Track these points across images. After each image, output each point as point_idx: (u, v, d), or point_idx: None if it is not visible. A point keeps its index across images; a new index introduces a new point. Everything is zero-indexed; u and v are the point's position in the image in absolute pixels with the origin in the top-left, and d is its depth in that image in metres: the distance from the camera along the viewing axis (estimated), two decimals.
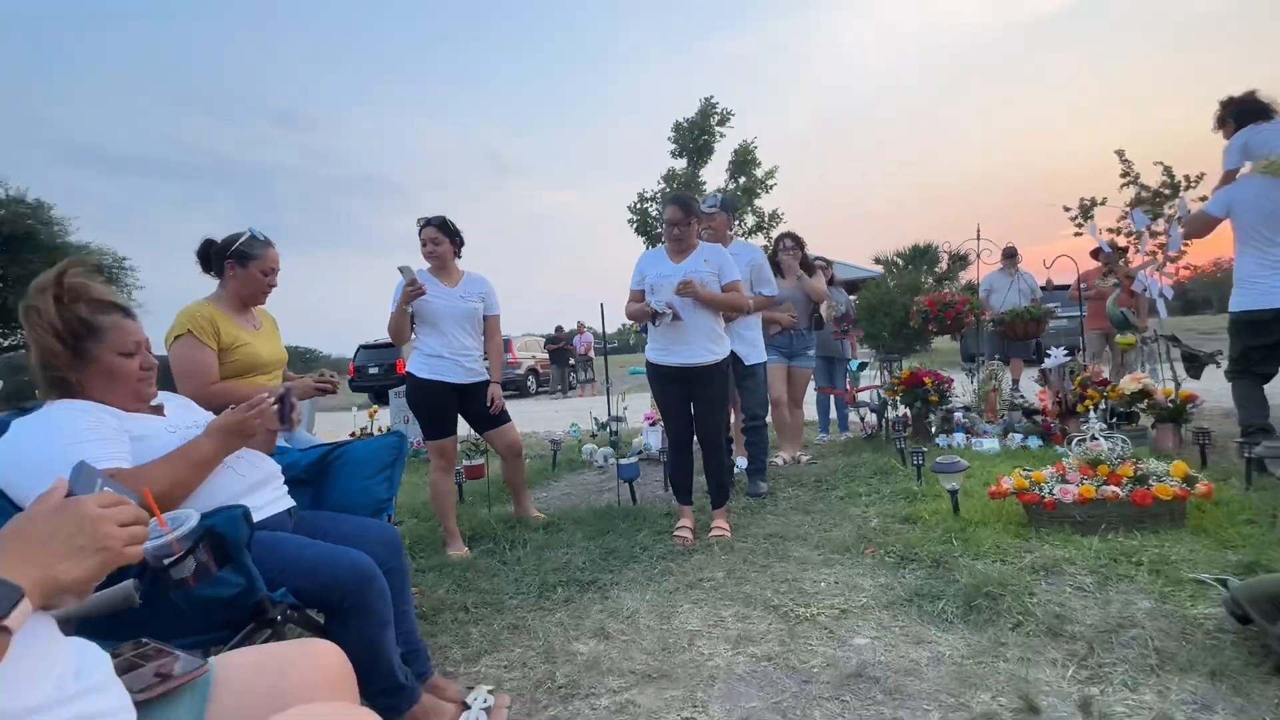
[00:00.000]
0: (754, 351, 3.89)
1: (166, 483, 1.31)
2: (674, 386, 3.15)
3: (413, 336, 3.18)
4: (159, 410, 1.53)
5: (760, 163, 16.13)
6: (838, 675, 1.80)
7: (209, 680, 0.94)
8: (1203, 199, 3.81)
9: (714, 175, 16.55)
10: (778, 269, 4.69)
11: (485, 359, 3.26)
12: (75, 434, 1.29)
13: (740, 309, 3.33)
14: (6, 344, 11.98)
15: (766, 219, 16.33)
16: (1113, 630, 1.88)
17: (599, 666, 1.94)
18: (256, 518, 1.45)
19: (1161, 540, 2.47)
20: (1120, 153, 8.88)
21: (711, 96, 15.95)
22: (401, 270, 3.01)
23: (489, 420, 3.24)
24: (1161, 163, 8.58)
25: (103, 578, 0.74)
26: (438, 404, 3.14)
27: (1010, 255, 6.84)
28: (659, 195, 16.08)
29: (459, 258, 3.25)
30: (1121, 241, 8.18)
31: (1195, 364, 4.94)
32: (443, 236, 3.12)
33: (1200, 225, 3.72)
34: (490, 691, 1.79)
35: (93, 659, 0.82)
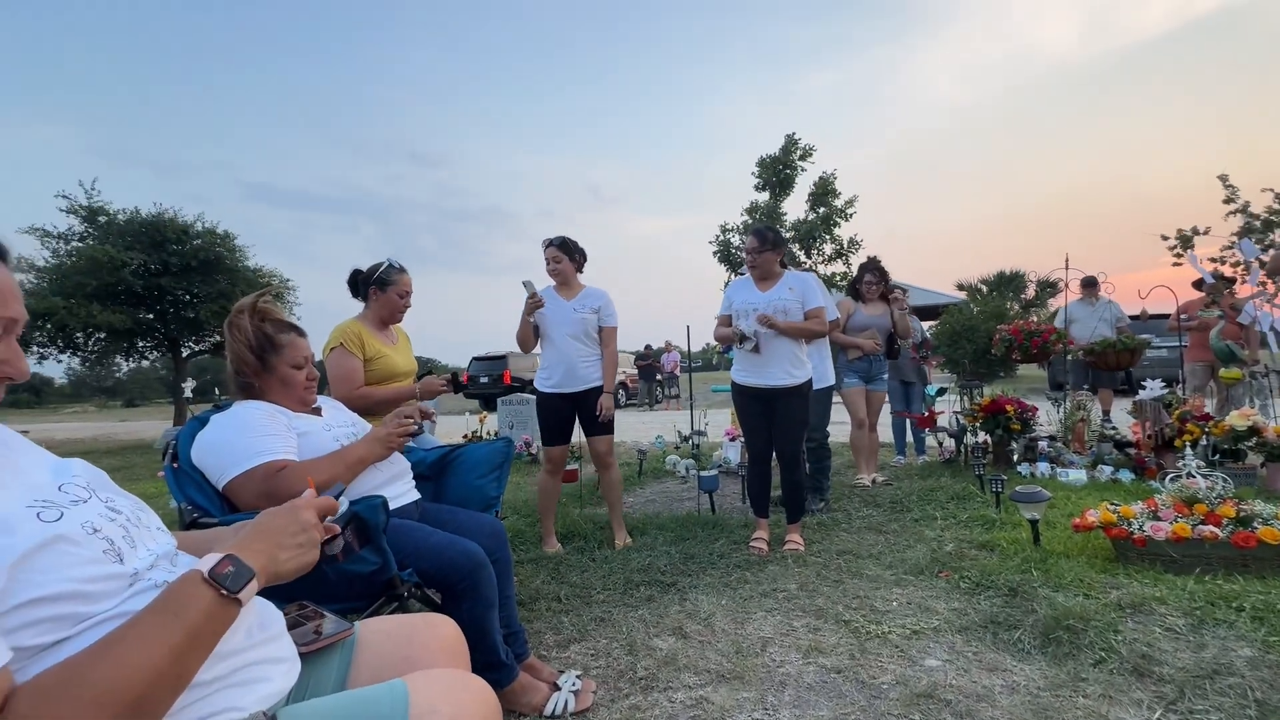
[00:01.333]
0: (819, 376, 3.79)
1: (326, 476, 1.47)
2: (756, 405, 3.14)
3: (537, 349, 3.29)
4: (318, 411, 1.71)
5: (840, 193, 15.72)
6: (907, 694, 1.72)
7: (354, 641, 1.05)
8: None
9: (795, 207, 16.27)
10: (859, 296, 4.61)
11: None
12: (258, 428, 1.48)
13: (819, 335, 3.27)
14: (198, 349, 13.51)
15: (845, 246, 15.82)
16: (1207, 676, 1.69)
17: (676, 662, 1.96)
18: (391, 507, 1.59)
19: (1268, 586, 2.19)
20: (1224, 178, 7.94)
21: (794, 133, 15.79)
22: (525, 285, 3.13)
23: (593, 426, 3.24)
24: (1271, 189, 7.57)
25: (311, 568, 0.86)
26: (552, 413, 3.23)
27: (1090, 284, 6.31)
28: (740, 226, 15.97)
29: (580, 273, 3.32)
30: (1227, 271, 7.30)
31: None
32: (563, 255, 3.20)
33: None
34: (579, 676, 1.84)
35: (270, 614, 0.94)
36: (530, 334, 3.22)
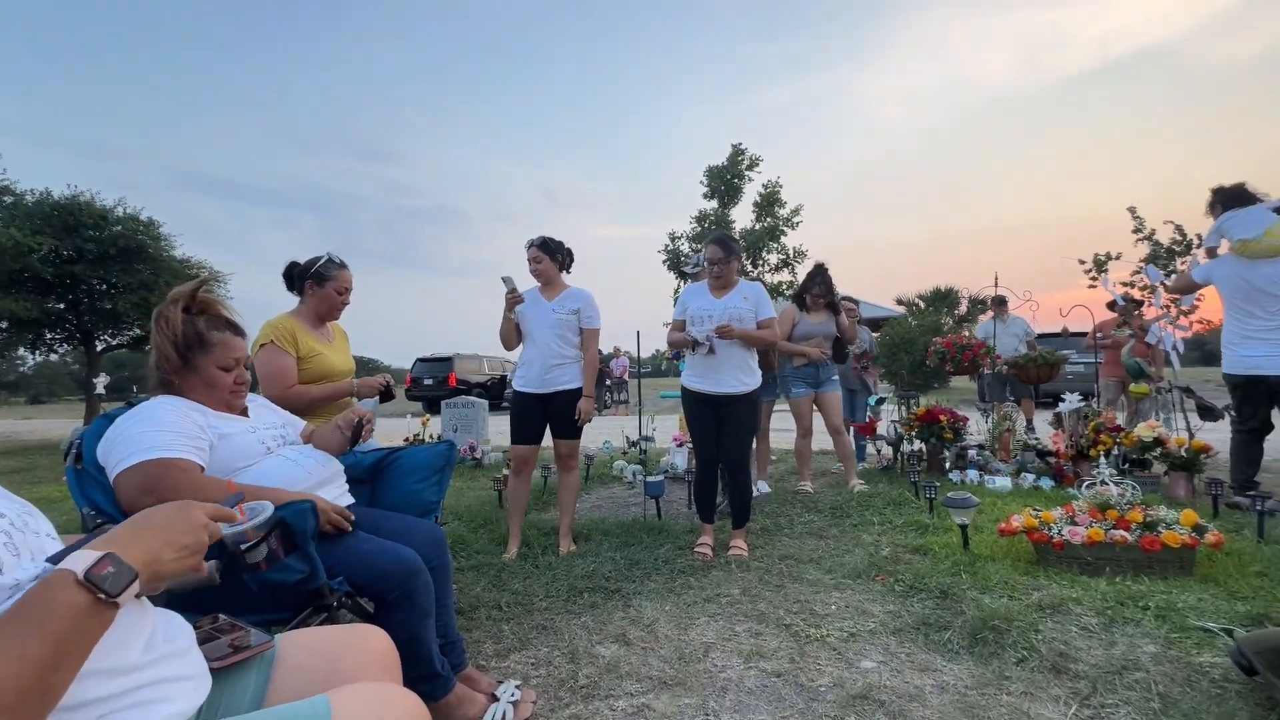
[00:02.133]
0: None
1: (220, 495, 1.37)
2: (705, 411, 3.16)
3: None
4: (245, 412, 1.61)
5: (785, 202, 16.14)
6: (844, 695, 1.75)
7: (274, 655, 0.99)
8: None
9: (742, 215, 16.61)
10: (804, 305, 4.63)
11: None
12: (163, 423, 1.37)
13: (773, 344, 3.37)
14: (115, 343, 12.59)
15: (791, 255, 16.25)
16: (1117, 672, 1.80)
17: (619, 670, 1.94)
18: None
19: (1169, 587, 2.36)
20: (1132, 209, 8.65)
21: (741, 143, 16.15)
22: (504, 280, 3.08)
23: (561, 428, 3.16)
24: (1173, 221, 8.31)
25: (192, 574, 0.79)
26: (522, 412, 3.18)
27: (1000, 304, 6.74)
28: (689, 235, 16.18)
29: (566, 272, 3.26)
30: (1136, 295, 7.90)
31: (1210, 414, 4.73)
32: (544, 255, 3.14)
33: (1184, 284, 3.87)
34: (518, 686, 1.80)
35: (176, 628, 0.87)
36: (512, 332, 3.17)
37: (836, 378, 4.63)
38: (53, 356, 13.64)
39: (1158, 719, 1.59)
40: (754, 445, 4.30)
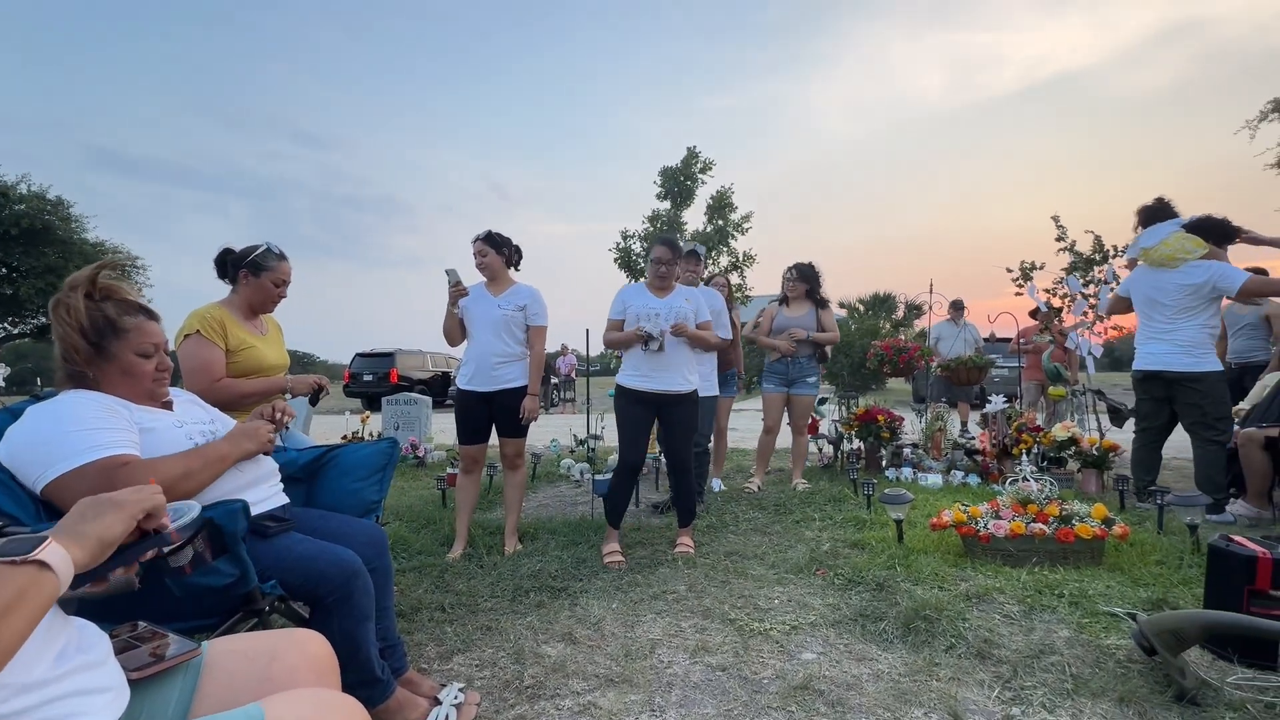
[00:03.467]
0: (706, 385, 3.82)
1: (179, 470, 1.29)
2: (642, 411, 3.12)
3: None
4: (168, 405, 1.51)
5: (737, 207, 16.44)
6: (785, 686, 1.81)
7: (200, 663, 0.93)
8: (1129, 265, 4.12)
9: (694, 217, 16.80)
10: (785, 299, 4.59)
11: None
12: (90, 420, 1.27)
13: (717, 347, 3.46)
14: (15, 331, 11.58)
15: (741, 259, 16.55)
16: (1035, 656, 1.93)
17: (565, 669, 1.93)
18: (253, 512, 1.44)
19: (1082, 575, 2.54)
20: (1055, 218, 9.14)
21: (695, 146, 16.35)
22: (448, 273, 3.00)
23: (506, 426, 3.10)
24: (1092, 231, 8.85)
25: (128, 531, 0.78)
26: (467, 411, 3.10)
27: (958, 307, 7.05)
28: (641, 234, 16.25)
29: (514, 269, 3.19)
30: (1056, 302, 8.43)
31: (1119, 416, 5.12)
32: (488, 248, 3.08)
33: (1116, 305, 4.09)
34: (461, 689, 1.76)
35: (91, 637, 0.82)
36: (455, 327, 3.10)
37: (814, 379, 4.51)
38: None
39: (1071, 698, 1.71)
40: (710, 442, 4.35)
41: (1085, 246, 8.88)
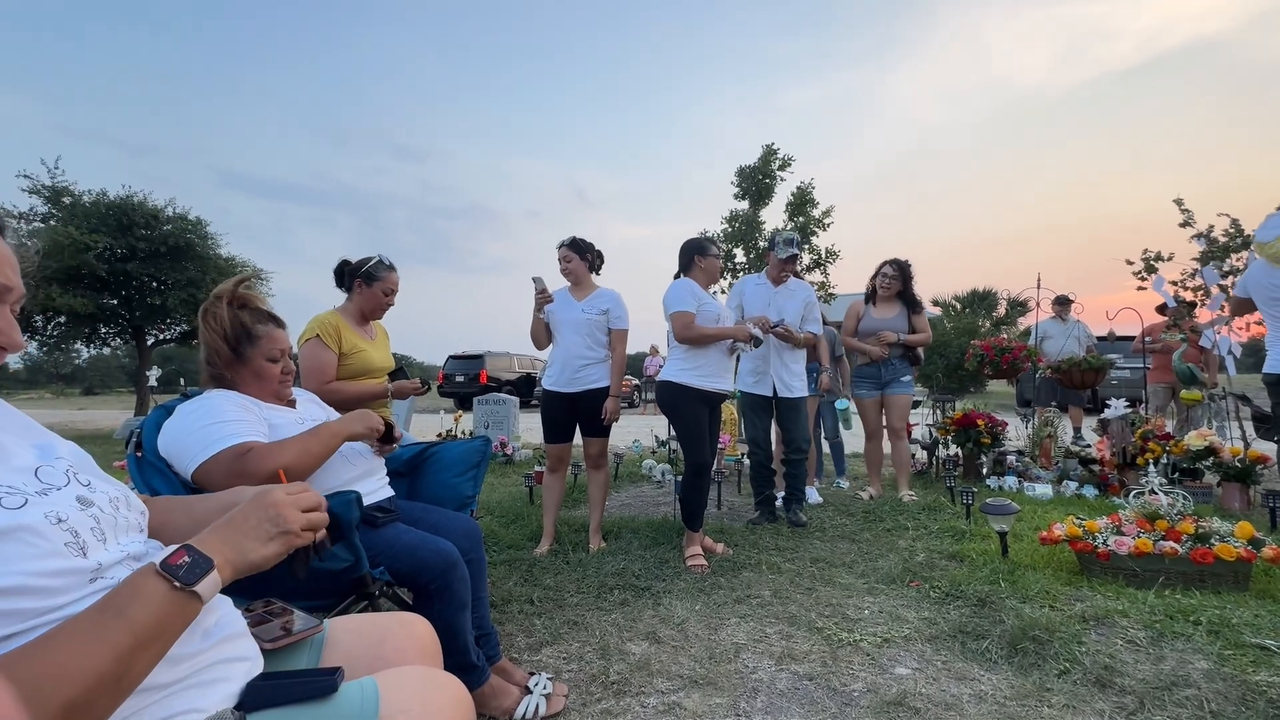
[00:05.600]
0: (798, 384, 3.67)
1: (296, 451, 1.42)
2: (706, 410, 3.09)
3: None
4: (292, 404, 1.66)
5: (818, 203, 15.93)
6: (878, 701, 1.73)
7: (323, 639, 1.02)
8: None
9: (773, 216, 16.44)
10: (872, 296, 4.40)
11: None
12: (226, 414, 1.42)
13: (807, 344, 3.60)
14: (163, 338, 13.12)
15: (823, 256, 16.03)
16: (1166, 688, 1.74)
17: (649, 667, 1.95)
18: (365, 503, 1.55)
19: (1223, 601, 2.26)
20: (1179, 201, 8.14)
21: (773, 143, 15.96)
22: (534, 280, 3.13)
23: (589, 427, 3.19)
24: (1227, 214, 7.76)
25: (284, 557, 0.80)
26: (552, 411, 3.22)
27: (1063, 303, 6.48)
28: (721, 235, 16.07)
29: (596, 273, 3.27)
30: (1187, 296, 7.55)
31: (1266, 424, 4.52)
32: (573, 254, 3.16)
33: (1239, 306, 3.74)
34: (550, 680, 1.82)
35: (232, 613, 0.91)
36: (542, 331, 3.23)
37: (908, 378, 4.29)
38: (106, 350, 14.27)
39: None
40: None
41: (1219, 231, 7.89)
